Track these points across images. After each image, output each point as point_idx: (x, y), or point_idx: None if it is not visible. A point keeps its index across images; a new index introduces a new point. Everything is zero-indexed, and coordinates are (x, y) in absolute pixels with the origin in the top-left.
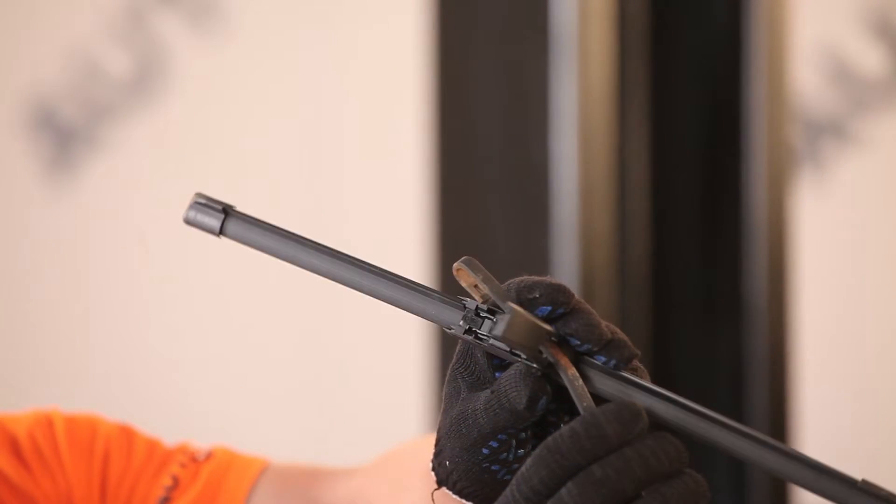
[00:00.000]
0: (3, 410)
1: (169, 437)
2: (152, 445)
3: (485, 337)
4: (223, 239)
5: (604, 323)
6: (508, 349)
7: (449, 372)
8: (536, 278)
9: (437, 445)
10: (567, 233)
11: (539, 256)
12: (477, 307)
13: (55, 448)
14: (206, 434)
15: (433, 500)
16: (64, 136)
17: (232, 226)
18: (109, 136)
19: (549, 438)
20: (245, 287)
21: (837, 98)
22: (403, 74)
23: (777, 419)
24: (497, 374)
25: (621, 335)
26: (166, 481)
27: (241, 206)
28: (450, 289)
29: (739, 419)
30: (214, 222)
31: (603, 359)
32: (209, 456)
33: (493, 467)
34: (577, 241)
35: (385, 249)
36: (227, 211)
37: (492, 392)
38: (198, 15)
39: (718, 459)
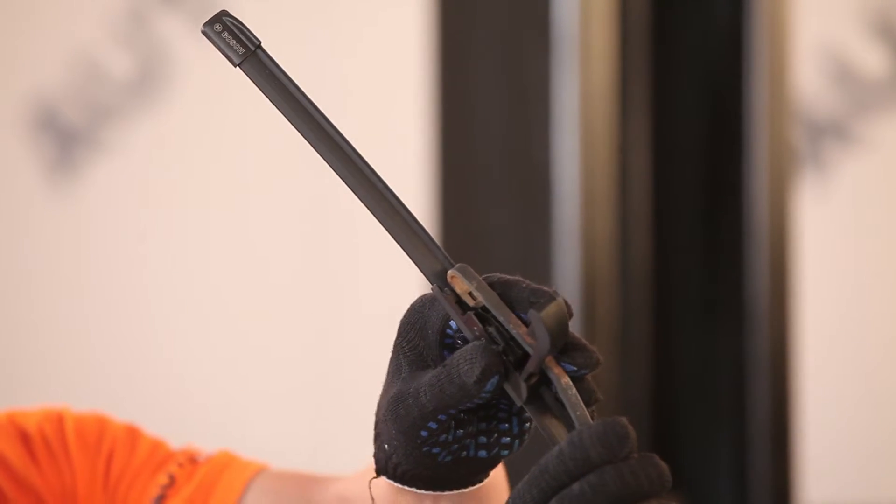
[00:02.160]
0: (11, 406)
1: (172, 437)
2: (156, 445)
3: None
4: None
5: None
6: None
7: (392, 347)
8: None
9: (375, 429)
10: (569, 234)
11: (541, 258)
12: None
13: (64, 443)
14: (208, 434)
15: (370, 488)
16: (66, 137)
17: (255, 64)
18: (111, 138)
19: (542, 458)
20: (249, 287)
21: (839, 99)
22: (405, 75)
23: (778, 420)
24: (446, 354)
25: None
26: (163, 479)
27: (243, 208)
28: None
29: (741, 419)
30: (239, 49)
31: (570, 366)
32: (210, 459)
33: (433, 450)
34: (578, 243)
35: (387, 252)
36: (259, 48)
37: (442, 366)
38: (199, 16)
39: (721, 464)
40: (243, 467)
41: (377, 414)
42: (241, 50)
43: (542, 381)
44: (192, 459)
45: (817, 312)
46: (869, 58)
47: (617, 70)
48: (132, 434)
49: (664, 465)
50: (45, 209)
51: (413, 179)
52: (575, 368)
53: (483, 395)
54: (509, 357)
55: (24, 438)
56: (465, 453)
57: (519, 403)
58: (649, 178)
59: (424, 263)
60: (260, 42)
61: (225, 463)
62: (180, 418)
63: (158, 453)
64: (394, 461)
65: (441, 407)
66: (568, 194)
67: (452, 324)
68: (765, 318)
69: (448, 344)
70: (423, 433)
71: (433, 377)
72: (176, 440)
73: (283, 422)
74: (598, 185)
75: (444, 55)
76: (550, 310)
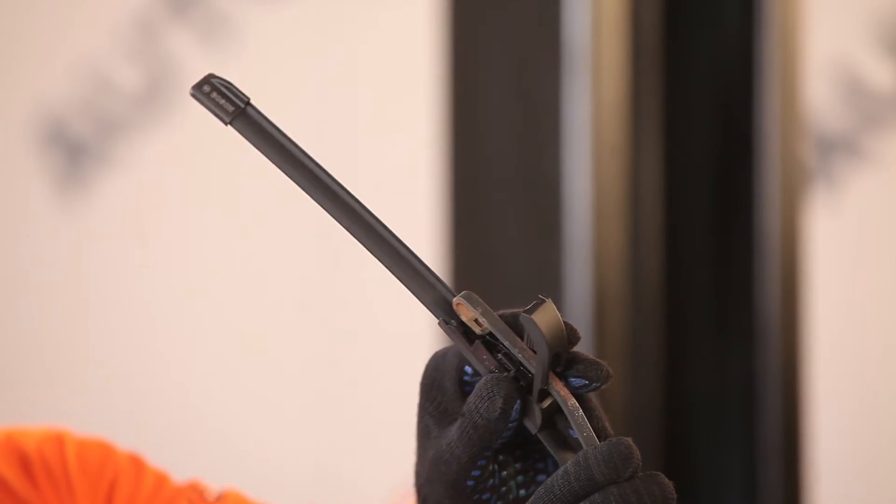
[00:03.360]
0: (14, 424)
1: (179, 450)
2: (161, 479)
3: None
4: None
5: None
6: (512, 350)
7: (416, 412)
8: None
9: (418, 496)
10: (579, 249)
11: (551, 273)
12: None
13: (64, 467)
14: (219, 449)
15: None
16: (75, 151)
17: (245, 121)
18: (120, 151)
19: (548, 479)
20: (258, 301)
21: (850, 114)
22: (415, 90)
23: (790, 439)
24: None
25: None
26: None
27: (254, 220)
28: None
29: (752, 438)
30: (228, 108)
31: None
32: (220, 497)
33: (483, 496)
34: (589, 258)
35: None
36: (248, 105)
37: (462, 415)
38: (209, 30)
39: (732, 481)
40: None
41: (417, 481)
42: (230, 108)
43: (555, 409)
44: (201, 496)
45: (829, 328)
46: (880, 73)
47: (628, 85)
48: (136, 464)
49: (668, 483)
50: (54, 222)
51: (423, 195)
52: (586, 382)
53: (511, 425)
54: (521, 382)
55: (23, 459)
56: (511, 496)
57: (533, 431)
58: (660, 194)
59: (427, 298)
60: (248, 99)
61: None
62: (187, 431)
63: (165, 489)
64: None
65: (476, 453)
66: (578, 210)
67: (468, 369)
68: (776, 333)
69: (468, 392)
70: (470, 482)
71: (459, 426)
72: (184, 453)
73: (293, 437)
74: (608, 200)
75: (454, 71)
76: (541, 311)
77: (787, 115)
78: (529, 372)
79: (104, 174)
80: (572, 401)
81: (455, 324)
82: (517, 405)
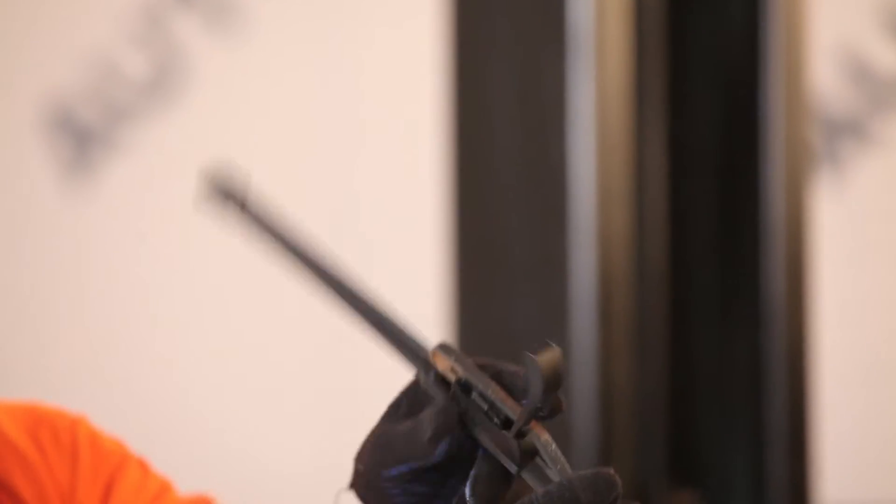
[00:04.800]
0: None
1: (187, 444)
2: (165, 486)
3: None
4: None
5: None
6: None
7: (406, 384)
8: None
9: (360, 447)
10: (584, 233)
11: (556, 257)
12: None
13: (73, 440)
14: (219, 443)
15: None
16: (82, 138)
17: (245, 219)
18: (127, 138)
19: (526, 497)
20: (261, 294)
21: (855, 98)
22: (420, 76)
23: (795, 418)
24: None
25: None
26: None
27: (258, 206)
28: (466, 289)
29: (758, 418)
30: (231, 208)
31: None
32: None
33: (393, 490)
34: (594, 242)
35: (402, 251)
36: (243, 206)
37: (413, 421)
38: (215, 16)
39: (738, 463)
40: None
41: (370, 434)
42: (233, 208)
43: (532, 449)
44: None
45: (834, 311)
46: (886, 56)
47: (632, 69)
48: (143, 466)
49: None
50: (61, 209)
51: (428, 182)
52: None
53: (438, 452)
54: (494, 420)
55: (34, 422)
56: None
57: (512, 470)
58: (665, 177)
59: (406, 354)
60: (246, 199)
61: None
62: (187, 428)
63: (168, 496)
64: (361, 483)
65: (403, 458)
66: (584, 194)
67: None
68: (781, 316)
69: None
70: (393, 471)
71: (406, 428)
72: (184, 443)
73: (294, 432)
74: (613, 184)
75: (459, 57)
76: (547, 355)
77: (792, 99)
78: (503, 412)
79: (111, 160)
80: (545, 435)
81: (433, 374)
82: (446, 441)
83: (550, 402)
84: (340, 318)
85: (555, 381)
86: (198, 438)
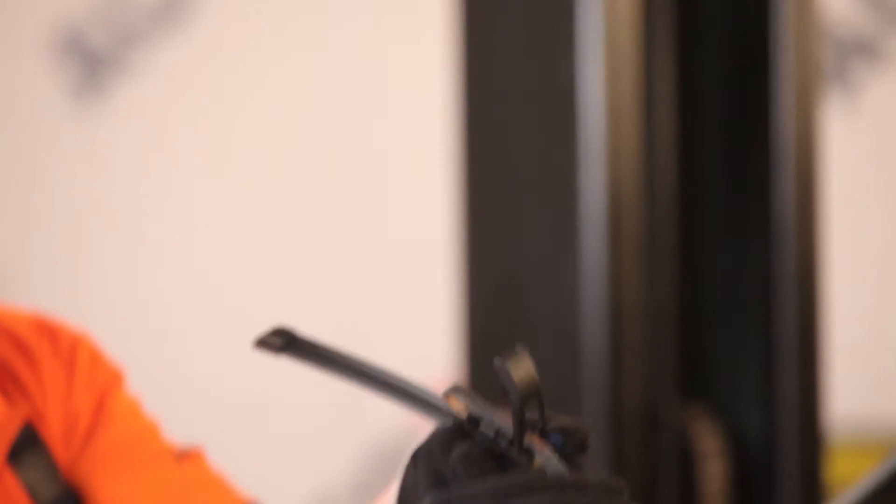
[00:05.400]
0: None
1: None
2: (153, 427)
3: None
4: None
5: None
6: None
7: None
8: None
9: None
10: (594, 152)
11: (566, 176)
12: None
13: (73, 346)
14: (230, 369)
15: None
16: (91, 61)
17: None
18: (137, 61)
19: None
20: (277, 211)
21: (867, 17)
22: None
23: (805, 335)
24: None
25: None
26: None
27: (273, 129)
28: (475, 210)
29: (768, 335)
30: (278, 343)
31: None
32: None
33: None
34: (603, 162)
35: (411, 173)
36: (293, 338)
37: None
38: None
39: (748, 380)
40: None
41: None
42: (280, 342)
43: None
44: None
45: (844, 231)
46: None
47: None
48: (136, 400)
49: None
50: (70, 131)
51: (436, 104)
52: (563, 440)
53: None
54: (502, 443)
55: (39, 325)
56: None
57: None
58: (675, 95)
59: (429, 413)
60: (293, 332)
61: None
62: (200, 355)
63: (155, 438)
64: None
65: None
66: (593, 114)
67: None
68: (792, 234)
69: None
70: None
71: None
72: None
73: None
74: (623, 104)
75: None
76: (515, 360)
77: (803, 19)
78: (507, 435)
79: (121, 83)
80: (547, 451)
81: (451, 421)
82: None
83: (541, 414)
84: (353, 231)
85: (530, 385)
86: (211, 356)
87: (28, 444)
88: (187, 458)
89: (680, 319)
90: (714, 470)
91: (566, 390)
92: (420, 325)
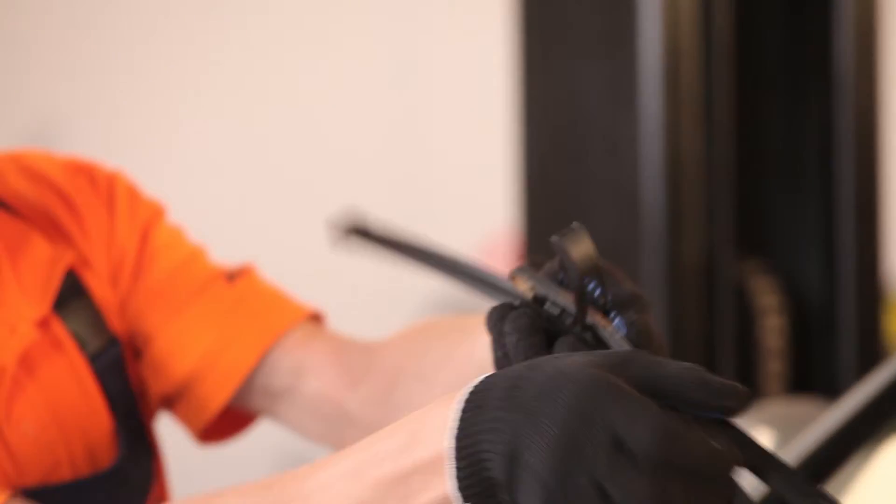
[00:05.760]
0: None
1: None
2: (199, 251)
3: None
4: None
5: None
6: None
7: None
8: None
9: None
10: (652, 5)
11: (624, 28)
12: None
13: (110, 186)
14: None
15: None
16: None
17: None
18: None
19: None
20: (340, 73)
21: None
22: None
23: (864, 188)
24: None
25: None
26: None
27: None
28: (534, 61)
29: (828, 188)
30: (349, 230)
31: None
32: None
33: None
34: (661, 15)
35: (469, 23)
36: (363, 227)
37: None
38: None
39: (808, 233)
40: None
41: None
42: (351, 229)
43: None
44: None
45: None
46: None
47: None
48: (177, 228)
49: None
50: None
51: None
52: (625, 331)
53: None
54: (566, 321)
55: (71, 167)
56: None
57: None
58: None
59: (498, 296)
60: (364, 220)
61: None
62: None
63: (201, 260)
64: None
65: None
66: None
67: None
68: (851, 88)
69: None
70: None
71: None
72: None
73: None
74: None
75: None
76: (572, 237)
77: None
78: (571, 312)
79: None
80: (611, 327)
81: (518, 304)
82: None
83: (605, 287)
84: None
85: (589, 263)
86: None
87: (73, 293)
88: (239, 275)
89: (738, 175)
90: (773, 325)
91: (625, 246)
92: (478, 185)
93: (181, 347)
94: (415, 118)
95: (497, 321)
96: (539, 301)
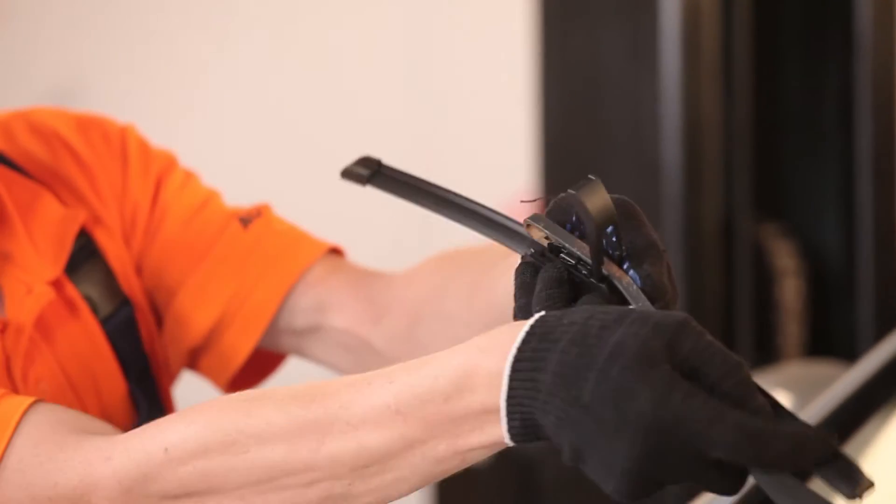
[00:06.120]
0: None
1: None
2: (212, 195)
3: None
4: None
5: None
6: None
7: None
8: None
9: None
10: None
11: None
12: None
13: (122, 141)
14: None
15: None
16: None
17: (380, 179)
18: None
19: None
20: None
21: None
22: None
23: (883, 151)
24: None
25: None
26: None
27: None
28: (553, 24)
29: (846, 149)
30: (364, 174)
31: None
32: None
33: None
34: None
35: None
36: (379, 168)
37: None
38: None
39: (826, 194)
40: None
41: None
42: (366, 172)
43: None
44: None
45: None
46: None
47: None
48: (190, 174)
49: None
50: None
51: None
52: (640, 284)
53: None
54: (583, 271)
55: (82, 123)
56: None
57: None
58: None
59: (511, 242)
60: (380, 162)
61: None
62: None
63: (214, 204)
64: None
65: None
66: None
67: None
68: (870, 49)
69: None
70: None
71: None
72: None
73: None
74: None
75: None
76: (588, 190)
77: None
78: (588, 262)
79: None
80: (627, 279)
81: (532, 252)
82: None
83: (622, 239)
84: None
85: (605, 214)
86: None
87: (86, 254)
88: (255, 215)
89: (757, 136)
90: (791, 288)
91: (644, 208)
92: (499, 148)
93: (203, 299)
94: (435, 82)
95: (520, 274)
96: (554, 250)
